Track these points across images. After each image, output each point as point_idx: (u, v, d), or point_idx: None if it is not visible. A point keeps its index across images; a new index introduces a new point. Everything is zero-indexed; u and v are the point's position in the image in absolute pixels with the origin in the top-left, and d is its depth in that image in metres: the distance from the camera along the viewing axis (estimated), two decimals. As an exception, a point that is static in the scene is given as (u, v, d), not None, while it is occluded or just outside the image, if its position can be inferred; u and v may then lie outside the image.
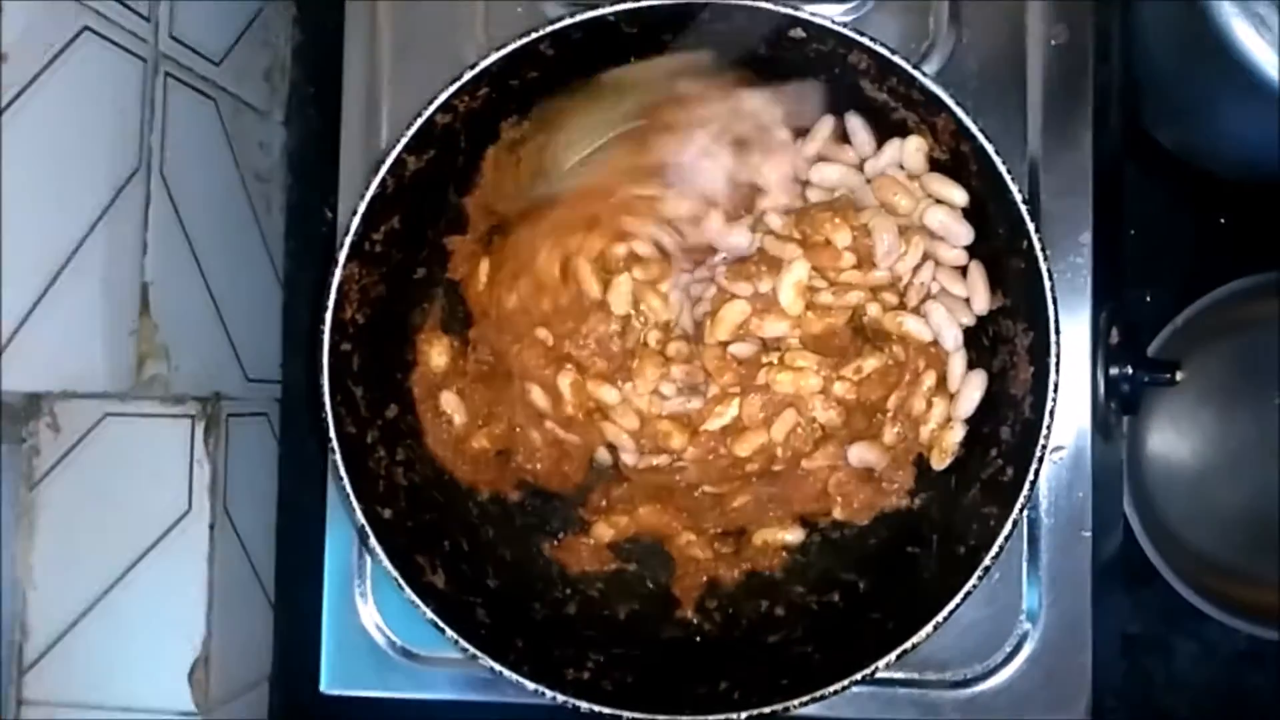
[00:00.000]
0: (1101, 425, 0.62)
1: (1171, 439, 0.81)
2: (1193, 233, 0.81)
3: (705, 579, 0.60)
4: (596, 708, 0.52)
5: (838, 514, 0.59)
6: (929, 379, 0.57)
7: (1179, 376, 0.66)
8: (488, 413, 0.61)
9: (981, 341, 0.57)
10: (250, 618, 0.77)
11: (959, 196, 0.56)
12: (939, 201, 0.56)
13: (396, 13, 0.67)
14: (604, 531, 0.61)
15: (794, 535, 0.60)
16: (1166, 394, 0.80)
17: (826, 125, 0.58)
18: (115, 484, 0.71)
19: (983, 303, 0.56)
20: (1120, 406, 0.65)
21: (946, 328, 0.57)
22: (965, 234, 0.56)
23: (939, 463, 0.57)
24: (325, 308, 0.55)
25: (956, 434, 0.57)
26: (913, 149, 0.57)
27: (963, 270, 0.57)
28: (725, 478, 0.59)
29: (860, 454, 0.58)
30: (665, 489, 0.60)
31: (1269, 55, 0.56)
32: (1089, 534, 0.61)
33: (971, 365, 0.57)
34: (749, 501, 0.60)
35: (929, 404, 0.57)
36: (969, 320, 0.57)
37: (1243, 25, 0.56)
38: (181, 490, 0.71)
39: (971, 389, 0.57)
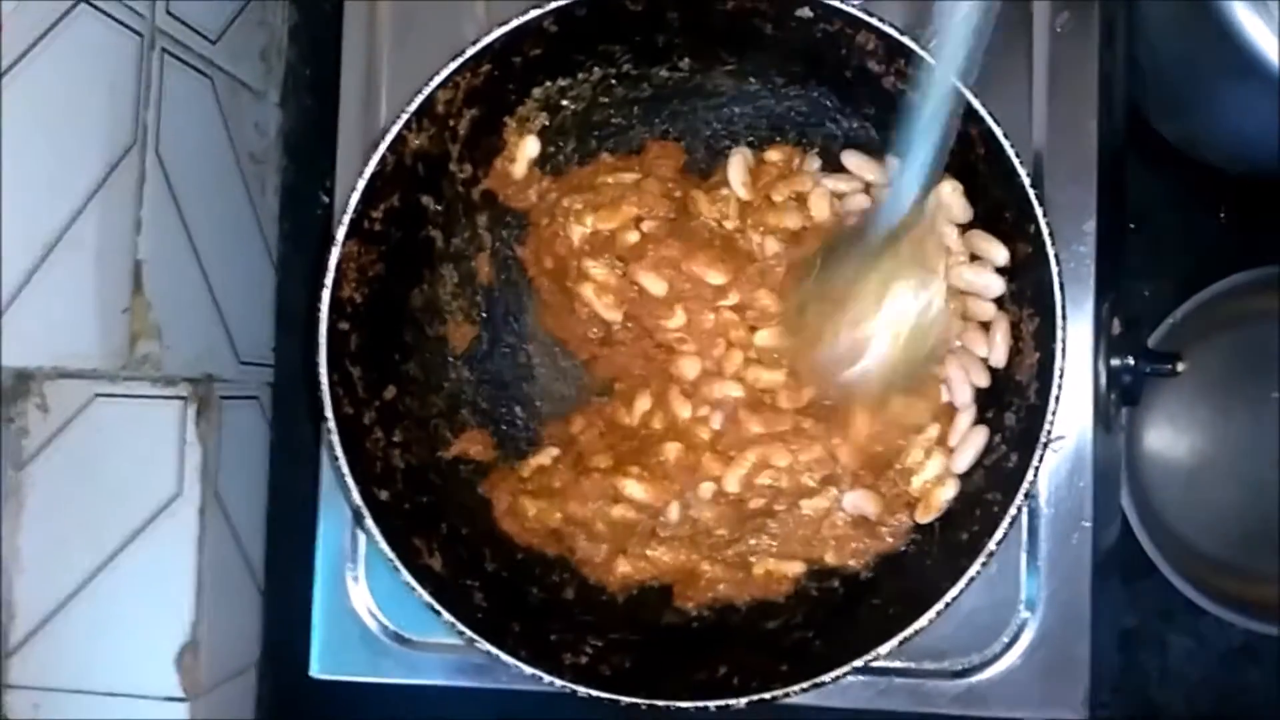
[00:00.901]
0: (1102, 416, 0.62)
1: (1169, 434, 0.80)
2: (1193, 227, 0.81)
3: (711, 595, 0.59)
4: (594, 693, 0.52)
5: (829, 559, 0.58)
6: (933, 430, 0.57)
7: (1180, 368, 0.65)
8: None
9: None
10: (240, 602, 0.77)
11: (1000, 254, 0.55)
12: (974, 258, 0.56)
13: (396, -7, 0.66)
14: (627, 572, 0.60)
15: (795, 568, 0.58)
16: (1164, 388, 0.80)
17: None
18: (104, 466, 0.70)
19: (1001, 357, 0.56)
20: (1121, 397, 0.65)
21: (960, 386, 0.56)
22: (997, 286, 0.55)
23: (924, 516, 0.56)
24: (324, 285, 0.54)
25: (949, 490, 0.56)
26: (949, 193, 0.56)
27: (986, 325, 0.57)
28: (728, 518, 0.58)
29: (856, 502, 0.57)
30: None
31: (1270, 41, 0.56)
32: (1089, 524, 0.60)
33: (976, 422, 0.57)
34: (747, 533, 0.59)
35: (927, 455, 0.57)
36: (983, 382, 0.56)
37: (1245, 11, 0.56)
38: (171, 473, 0.70)
39: (970, 447, 0.56)
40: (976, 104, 0.52)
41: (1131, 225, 0.75)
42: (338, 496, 0.63)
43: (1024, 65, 0.62)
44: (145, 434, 0.70)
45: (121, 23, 0.64)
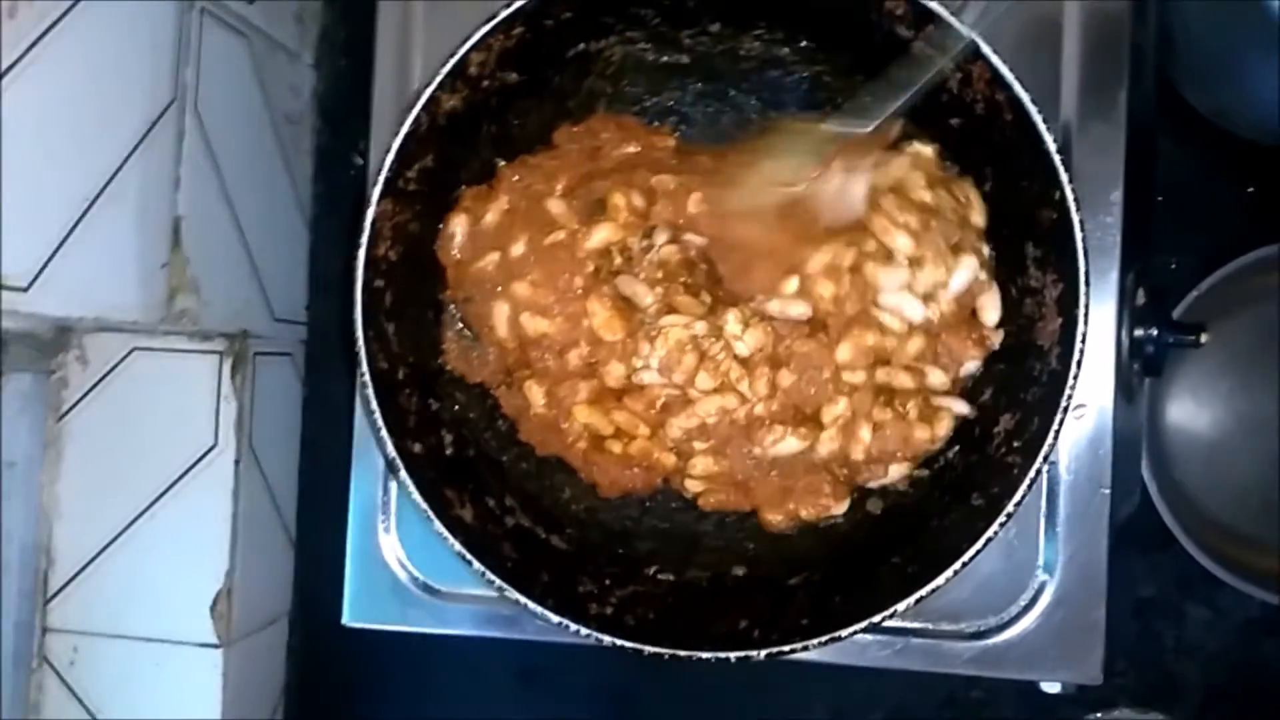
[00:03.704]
0: (1124, 386, 0.62)
1: (1191, 407, 0.81)
2: (1221, 200, 0.80)
3: None
4: (619, 642, 0.53)
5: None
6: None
7: (1203, 339, 0.66)
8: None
9: (1010, 293, 0.57)
10: (273, 552, 0.79)
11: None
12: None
13: (431, -44, 0.67)
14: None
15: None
16: (1187, 361, 0.80)
17: None
18: (142, 417, 0.72)
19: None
20: (1143, 368, 0.65)
21: None
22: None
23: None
24: (359, 244, 0.55)
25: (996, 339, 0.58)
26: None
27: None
28: None
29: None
30: None
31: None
32: (1108, 491, 0.61)
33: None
34: None
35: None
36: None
37: (1275, -23, 0.56)
38: (208, 425, 0.72)
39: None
40: (1005, 71, 0.52)
41: (1159, 197, 0.75)
42: (369, 450, 0.65)
43: (1055, 34, 0.62)
44: (182, 387, 0.72)
45: (162, -19, 0.65)
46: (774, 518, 0.59)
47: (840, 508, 0.59)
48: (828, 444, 0.57)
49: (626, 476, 0.59)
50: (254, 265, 0.77)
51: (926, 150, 0.59)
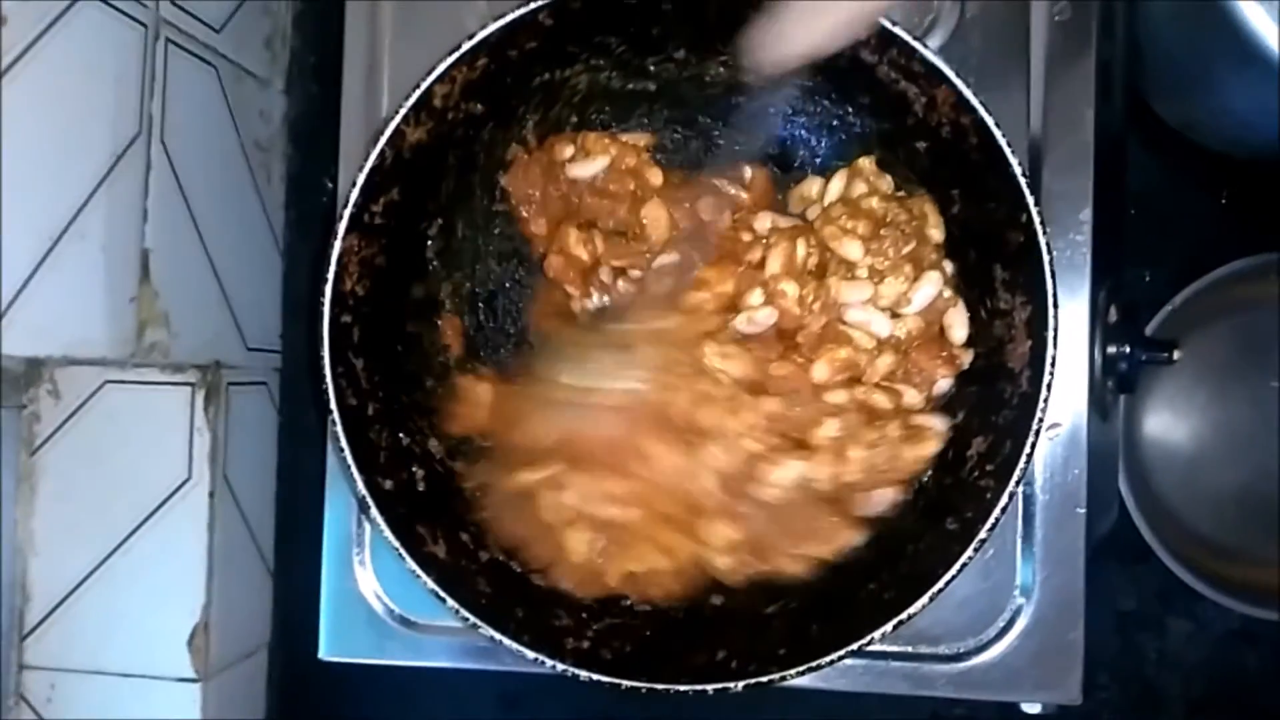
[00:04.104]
0: (1098, 404, 0.63)
1: (1168, 419, 0.81)
2: (1193, 213, 0.80)
3: None
4: (595, 676, 0.53)
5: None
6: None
7: (1176, 355, 0.66)
8: None
9: (980, 315, 0.57)
10: (249, 585, 0.78)
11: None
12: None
13: (398, -18, 0.67)
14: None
15: None
16: (1163, 374, 0.80)
17: None
18: (115, 451, 0.72)
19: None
20: (1117, 385, 0.65)
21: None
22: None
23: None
24: (325, 280, 0.54)
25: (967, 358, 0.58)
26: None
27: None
28: None
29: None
30: None
31: (1271, 27, 0.56)
32: (1084, 511, 0.61)
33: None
34: None
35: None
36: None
37: (1245, -6, 0.56)
38: (181, 458, 0.71)
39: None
40: (968, 93, 0.52)
41: (1131, 210, 0.75)
42: (344, 482, 0.64)
43: (1022, 55, 0.62)
44: (155, 420, 0.72)
45: (125, 14, 0.65)
46: (794, 569, 0.57)
47: (856, 537, 0.57)
48: (823, 468, 0.57)
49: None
50: (225, 295, 0.76)
51: (865, 161, 0.60)
